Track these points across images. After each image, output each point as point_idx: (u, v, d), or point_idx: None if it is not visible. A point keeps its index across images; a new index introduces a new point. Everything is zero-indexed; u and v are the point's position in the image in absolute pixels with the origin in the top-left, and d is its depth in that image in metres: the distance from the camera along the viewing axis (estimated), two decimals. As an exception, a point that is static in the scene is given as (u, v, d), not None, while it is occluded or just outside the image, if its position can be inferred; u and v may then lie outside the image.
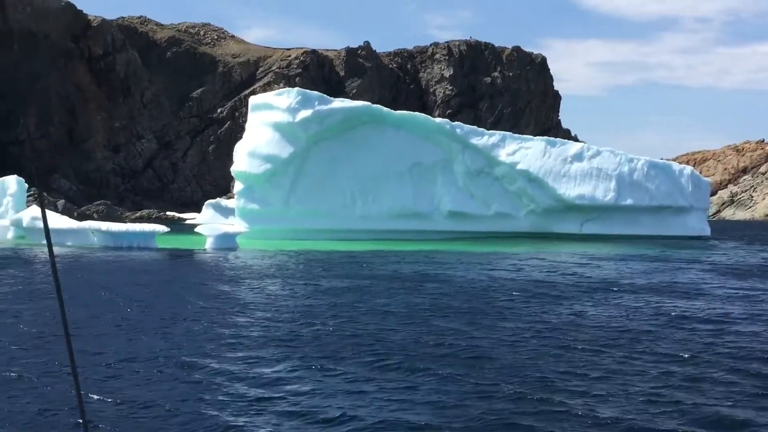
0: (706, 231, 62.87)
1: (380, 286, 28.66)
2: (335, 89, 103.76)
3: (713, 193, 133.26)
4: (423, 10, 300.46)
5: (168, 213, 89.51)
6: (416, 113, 62.21)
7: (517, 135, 62.64)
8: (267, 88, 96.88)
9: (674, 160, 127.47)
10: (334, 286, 28.89)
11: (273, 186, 56.96)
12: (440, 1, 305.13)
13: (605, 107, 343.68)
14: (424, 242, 54.65)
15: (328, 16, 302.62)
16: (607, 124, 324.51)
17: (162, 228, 45.48)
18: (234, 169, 58.29)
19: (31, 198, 72.23)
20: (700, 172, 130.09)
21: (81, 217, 70.44)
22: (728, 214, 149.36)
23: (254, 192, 57.13)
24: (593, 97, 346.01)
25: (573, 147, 61.12)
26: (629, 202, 59.65)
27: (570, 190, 59.33)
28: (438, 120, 60.77)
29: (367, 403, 13.09)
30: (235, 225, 52.68)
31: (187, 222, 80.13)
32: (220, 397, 13.36)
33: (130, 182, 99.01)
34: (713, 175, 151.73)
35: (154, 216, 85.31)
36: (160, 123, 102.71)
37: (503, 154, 59.62)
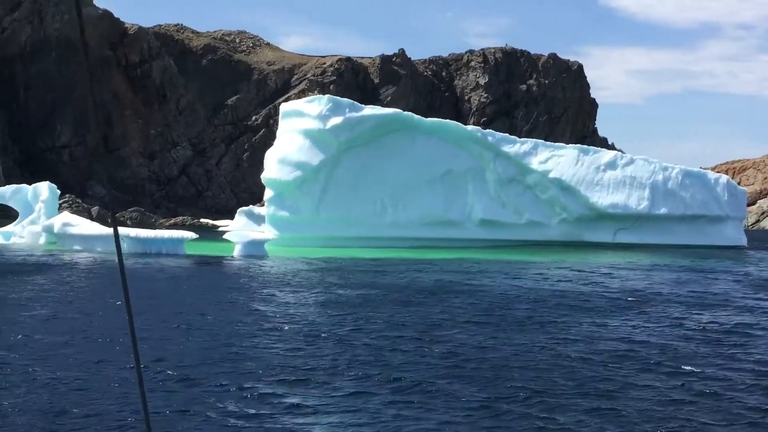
0: (743, 241, 61.83)
1: (405, 296, 28.32)
2: (370, 97, 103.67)
3: (752, 203, 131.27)
4: (461, 19, 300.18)
5: (202, 220, 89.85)
6: (448, 120, 61.90)
7: (549, 143, 62.10)
8: (301, 95, 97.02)
9: (713, 169, 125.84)
10: (358, 294, 28.62)
11: (303, 193, 56.85)
12: (478, 9, 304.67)
13: (645, 115, 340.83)
14: (455, 250, 54.21)
15: (367, 25, 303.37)
16: (646, 132, 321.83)
17: (191, 234, 45.55)
18: (264, 176, 58.28)
19: (65, 204, 72.84)
20: (740, 182, 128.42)
21: (116, 224, 70.86)
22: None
23: (284, 199, 57.04)
24: (632, 105, 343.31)
25: (606, 155, 60.42)
26: (663, 211, 58.82)
27: (603, 199, 58.63)
28: (470, 128, 60.42)
29: (381, 420, 12.81)
30: (264, 232, 52.63)
31: (220, 229, 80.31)
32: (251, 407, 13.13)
33: (164, 189, 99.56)
34: (753, 184, 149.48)
35: (188, 223, 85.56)
36: (195, 130, 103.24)
37: (535, 162, 59.07)
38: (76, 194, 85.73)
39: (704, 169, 72.04)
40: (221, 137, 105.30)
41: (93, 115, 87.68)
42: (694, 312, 25.83)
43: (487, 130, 62.37)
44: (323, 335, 20.22)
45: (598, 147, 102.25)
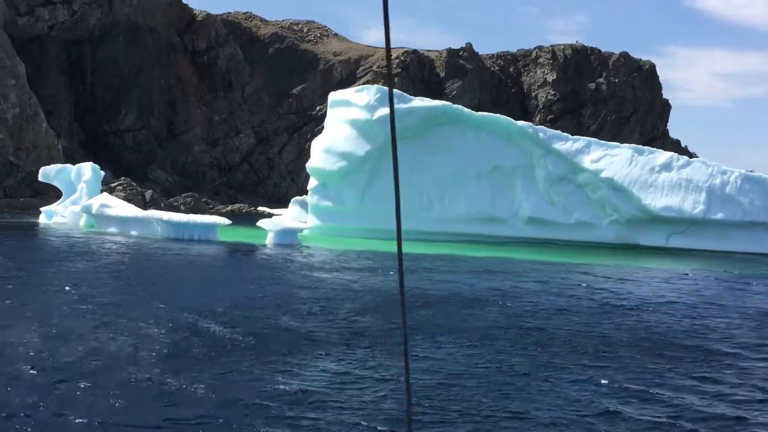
0: (804, 250, 59.08)
1: (432, 296, 27.29)
2: (435, 90, 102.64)
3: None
4: (542, 14, 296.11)
5: (259, 208, 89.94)
6: (498, 115, 60.59)
7: (602, 141, 60.37)
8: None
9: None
10: (384, 290, 27.70)
11: (348, 184, 56.27)
12: (559, 5, 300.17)
13: (729, 119, 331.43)
14: (500, 248, 52.91)
15: (449, 19, 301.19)
16: (729, 136, 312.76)
17: (224, 220, 45.32)
18: (309, 165, 57.89)
19: (120, 187, 73.49)
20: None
21: (168, 208, 71.29)
22: None
23: (328, 189, 56.55)
24: (716, 108, 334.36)
25: (662, 156, 58.40)
26: (720, 216, 56.60)
27: (656, 201, 56.68)
28: (520, 123, 58.98)
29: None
30: (298, 221, 52.17)
31: (274, 217, 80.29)
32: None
33: (226, 176, 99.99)
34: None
35: (244, 210, 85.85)
36: (259, 118, 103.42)
37: (587, 161, 57.41)
38: (138, 178, 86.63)
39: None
40: (285, 126, 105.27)
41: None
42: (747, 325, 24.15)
43: (539, 126, 60.75)
44: (323, 334, 19.51)
45: (668, 149, 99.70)
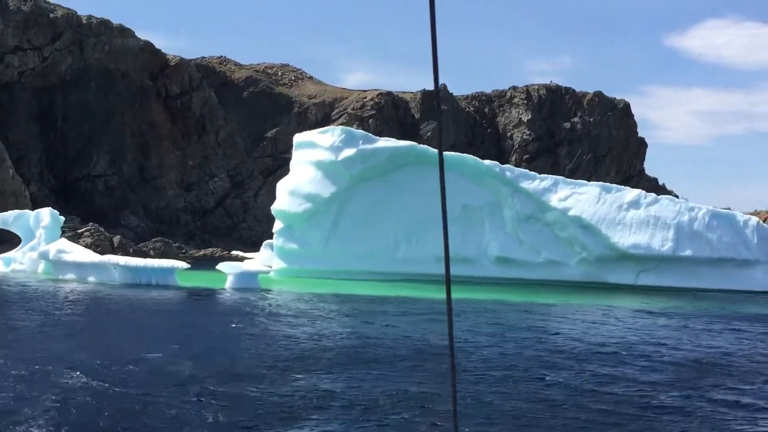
0: (774, 286, 58.58)
1: (388, 338, 26.48)
2: (410, 132, 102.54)
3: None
4: (528, 56, 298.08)
5: (233, 252, 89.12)
6: (465, 155, 60.27)
7: (570, 180, 60.05)
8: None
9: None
10: (339, 332, 26.87)
11: (313, 226, 55.68)
12: (541, 47, 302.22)
13: (707, 156, 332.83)
14: (468, 289, 52.15)
15: (424, 60, 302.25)
16: (708, 173, 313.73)
17: (182, 264, 44.57)
18: (274, 207, 57.33)
19: (87, 233, 72.64)
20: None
21: (138, 254, 70.42)
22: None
23: (294, 231, 55.95)
24: (695, 146, 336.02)
25: (629, 194, 58.04)
26: (688, 252, 56.12)
27: (625, 239, 56.20)
28: (487, 162, 58.62)
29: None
30: (264, 265, 51.46)
31: (246, 260, 79.55)
32: None
33: (200, 220, 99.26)
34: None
35: (217, 254, 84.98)
36: (234, 162, 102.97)
37: (555, 199, 57.00)
38: (110, 224, 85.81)
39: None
40: (259, 169, 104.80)
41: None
42: (717, 369, 23.33)
43: (506, 165, 60.42)
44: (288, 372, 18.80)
45: (644, 187, 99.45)
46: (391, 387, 17.62)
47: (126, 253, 69.08)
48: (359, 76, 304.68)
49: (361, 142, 56.76)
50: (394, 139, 61.71)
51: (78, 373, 18.22)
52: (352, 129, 60.39)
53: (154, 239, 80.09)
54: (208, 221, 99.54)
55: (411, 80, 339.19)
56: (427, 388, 17.86)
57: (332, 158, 56.04)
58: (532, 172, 60.13)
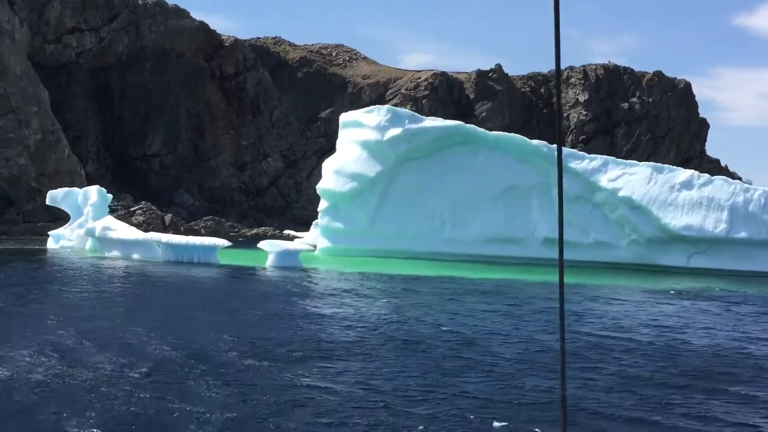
0: (832, 270, 56.72)
1: (427, 320, 25.82)
2: (464, 112, 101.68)
3: None
4: (586, 36, 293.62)
5: (285, 231, 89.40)
6: (513, 134, 59.38)
7: (620, 160, 58.77)
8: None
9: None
10: (376, 315, 26.42)
11: (358, 205, 55.42)
12: (604, 27, 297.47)
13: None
14: (514, 270, 51.44)
15: (488, 42, 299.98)
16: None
17: (223, 242, 44.66)
18: (320, 186, 57.14)
19: (140, 212, 73.44)
20: None
21: (189, 232, 71.01)
22: None
23: (339, 211, 55.75)
24: (764, 128, 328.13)
25: (682, 174, 56.59)
26: (743, 235, 54.57)
27: (676, 220, 54.86)
28: (535, 142, 57.64)
29: None
30: (299, 243, 51.42)
31: (296, 239, 79.77)
32: None
33: (253, 200, 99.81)
34: None
35: (269, 234, 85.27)
36: (288, 142, 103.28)
37: (604, 180, 55.86)
38: (165, 203, 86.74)
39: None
40: (313, 150, 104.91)
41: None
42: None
43: (554, 145, 59.11)
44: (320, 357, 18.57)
45: (705, 169, 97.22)
46: (438, 375, 17.09)
47: (177, 232, 69.70)
48: (418, 57, 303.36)
49: (407, 121, 56.28)
50: (441, 119, 61.06)
51: (107, 352, 18.19)
52: (398, 108, 59.93)
53: (205, 218, 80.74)
54: (261, 201, 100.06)
55: (470, 61, 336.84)
56: (473, 376, 17.35)
57: (378, 138, 55.66)
58: (581, 152, 59.07)
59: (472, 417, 13.90)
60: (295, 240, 78.53)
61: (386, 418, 13.59)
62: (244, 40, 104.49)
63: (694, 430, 13.82)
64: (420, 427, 13.08)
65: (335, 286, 36.13)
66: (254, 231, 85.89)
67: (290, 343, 19.61)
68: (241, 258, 46.68)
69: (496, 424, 13.62)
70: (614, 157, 59.37)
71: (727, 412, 15.04)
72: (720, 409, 15.12)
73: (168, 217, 73.60)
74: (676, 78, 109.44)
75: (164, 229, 70.61)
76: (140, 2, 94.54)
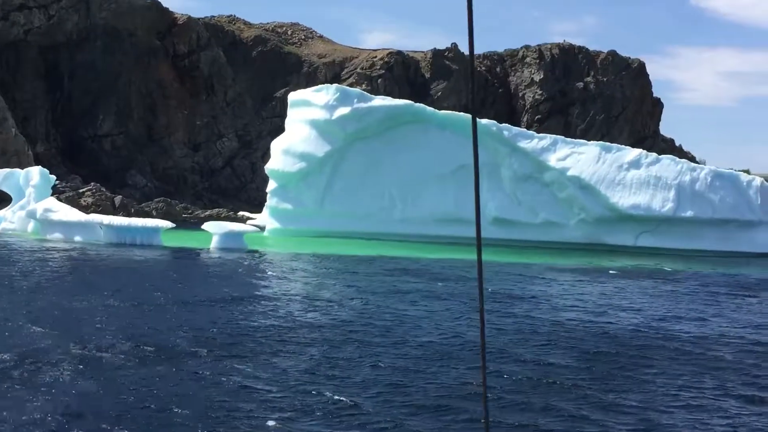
0: (777, 248, 57.34)
1: (376, 298, 25.67)
2: (420, 91, 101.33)
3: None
4: (548, 17, 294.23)
5: (240, 213, 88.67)
6: (461, 114, 59.23)
7: (569, 139, 58.88)
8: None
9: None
10: (320, 296, 26.16)
11: (307, 185, 55.09)
12: (565, 7, 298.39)
13: (732, 118, 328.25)
14: (463, 250, 51.38)
15: (447, 22, 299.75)
16: (733, 135, 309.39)
17: (167, 224, 44.13)
18: (268, 167, 56.73)
19: (88, 193, 72.44)
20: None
21: (139, 214, 70.20)
22: None
23: (288, 191, 55.40)
24: (721, 107, 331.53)
25: (630, 153, 56.89)
26: (690, 213, 54.99)
27: (625, 200, 55.13)
28: (485, 121, 57.52)
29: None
30: (249, 224, 50.96)
31: (249, 222, 79.18)
32: None
33: (208, 181, 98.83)
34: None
35: (223, 215, 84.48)
36: (242, 122, 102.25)
37: (553, 159, 55.95)
38: (117, 184, 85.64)
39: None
40: (268, 130, 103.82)
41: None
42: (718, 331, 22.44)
43: (503, 124, 59.00)
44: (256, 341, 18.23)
45: (659, 148, 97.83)
46: (383, 359, 16.91)
47: (128, 213, 68.87)
48: (378, 37, 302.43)
49: (356, 100, 55.94)
50: (389, 98, 60.76)
51: (35, 338, 17.75)
52: (347, 87, 59.56)
53: (156, 199, 79.81)
54: (215, 181, 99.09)
55: (431, 40, 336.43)
56: (410, 361, 17.16)
57: (327, 117, 55.28)
58: (530, 131, 59.19)
59: (382, 403, 13.70)
60: (248, 221, 78.01)
61: (295, 405, 13.36)
62: (198, 19, 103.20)
63: (602, 417, 13.73)
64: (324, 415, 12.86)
65: (275, 267, 35.84)
66: (208, 212, 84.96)
67: (209, 329, 19.29)
68: (186, 240, 46.15)
69: (411, 406, 13.44)
70: (563, 137, 59.35)
71: (636, 397, 14.98)
72: (632, 395, 15.04)
73: (118, 199, 72.67)
74: (630, 58, 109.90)
75: (114, 210, 69.71)
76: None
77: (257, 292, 26.18)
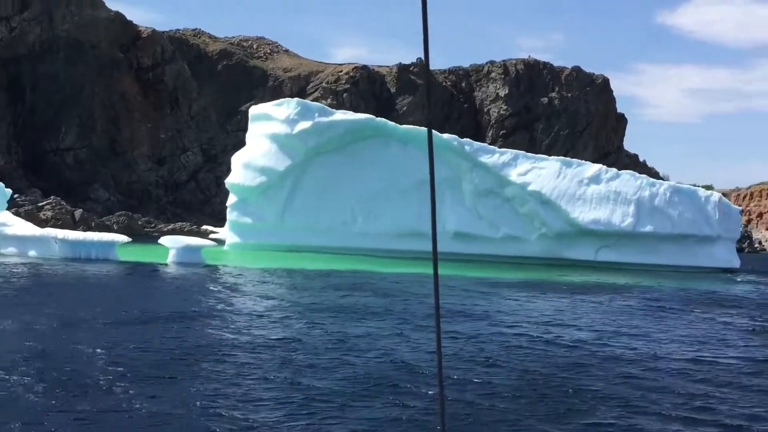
0: (735, 263, 57.84)
1: (322, 316, 25.40)
2: (385, 106, 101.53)
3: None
4: (516, 33, 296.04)
5: (203, 227, 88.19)
6: (422, 128, 59.28)
7: (530, 154, 59.06)
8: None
9: (748, 189, 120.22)
10: (266, 313, 25.88)
11: (267, 200, 54.86)
12: (534, 24, 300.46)
13: (696, 135, 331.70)
14: (423, 264, 51.33)
15: (412, 37, 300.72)
16: (696, 151, 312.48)
17: (123, 238, 43.69)
18: (228, 181, 56.43)
19: (48, 206, 71.69)
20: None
21: (100, 228, 69.52)
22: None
23: (248, 205, 55.13)
24: (685, 124, 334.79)
25: (590, 168, 57.17)
26: (649, 228, 55.32)
27: (585, 214, 55.38)
28: (446, 136, 57.61)
29: None
30: (208, 239, 50.66)
31: (212, 236, 78.70)
32: None
33: (172, 195, 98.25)
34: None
35: (186, 229, 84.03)
36: (207, 136, 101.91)
37: (514, 174, 56.11)
38: (79, 198, 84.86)
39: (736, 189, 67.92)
40: (233, 144, 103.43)
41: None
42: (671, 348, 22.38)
43: (465, 139, 59.13)
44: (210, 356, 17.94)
45: (623, 163, 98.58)
46: (346, 371, 16.73)
47: (88, 228, 68.14)
48: (348, 51, 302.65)
49: (317, 114, 55.84)
50: (351, 112, 60.74)
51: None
52: (308, 101, 59.42)
53: (118, 213, 79.20)
54: (180, 196, 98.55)
55: (399, 55, 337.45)
56: (336, 378, 17.00)
57: (288, 131, 55.13)
58: (492, 146, 59.37)
59: (329, 420, 13.53)
60: (211, 235, 77.57)
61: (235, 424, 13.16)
62: (163, 32, 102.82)
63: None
64: None
65: (228, 283, 35.52)
66: (171, 226, 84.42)
67: (155, 348, 19.01)
68: (143, 254, 45.69)
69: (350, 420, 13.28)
70: (524, 152, 59.57)
71: (582, 411, 14.92)
72: (577, 410, 14.97)
73: (78, 213, 71.98)
74: (594, 73, 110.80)
75: (74, 225, 69.04)
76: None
77: (203, 309, 25.84)
